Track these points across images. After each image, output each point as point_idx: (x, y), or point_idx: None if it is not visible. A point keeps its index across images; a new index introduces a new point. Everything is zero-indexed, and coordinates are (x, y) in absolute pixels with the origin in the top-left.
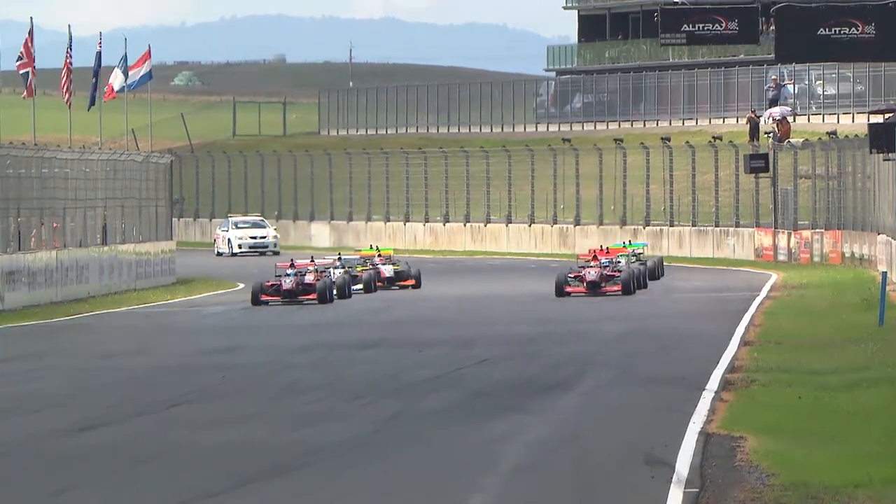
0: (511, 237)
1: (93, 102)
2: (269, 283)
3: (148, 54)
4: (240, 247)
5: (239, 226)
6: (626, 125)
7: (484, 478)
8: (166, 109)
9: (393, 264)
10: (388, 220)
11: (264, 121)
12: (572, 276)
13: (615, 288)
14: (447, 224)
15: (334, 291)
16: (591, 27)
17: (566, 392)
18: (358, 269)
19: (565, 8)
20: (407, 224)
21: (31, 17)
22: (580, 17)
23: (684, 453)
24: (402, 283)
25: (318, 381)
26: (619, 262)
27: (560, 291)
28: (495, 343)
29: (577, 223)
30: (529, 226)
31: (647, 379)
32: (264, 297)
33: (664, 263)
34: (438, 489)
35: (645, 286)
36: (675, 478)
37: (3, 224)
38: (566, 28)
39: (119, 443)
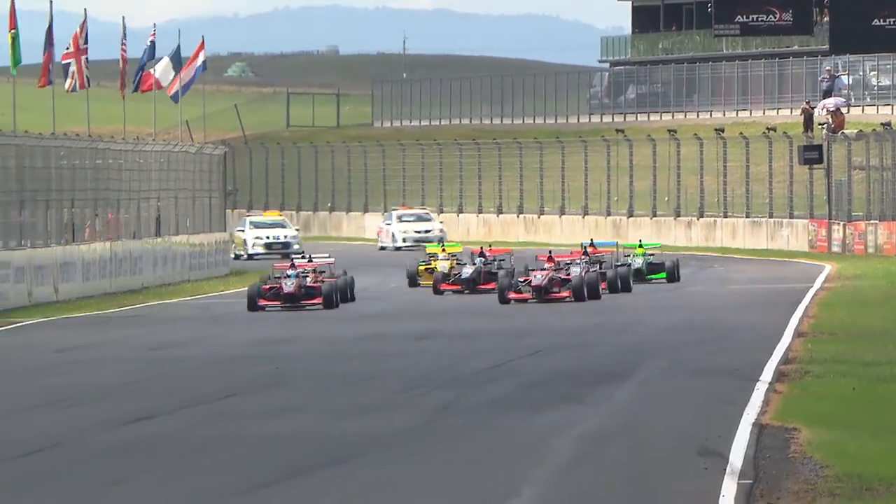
0: (564, 228)
1: (136, 89)
2: (267, 287)
3: (201, 46)
4: (404, 240)
5: (403, 219)
6: (680, 116)
7: (537, 469)
8: (220, 100)
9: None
10: (442, 212)
11: (318, 112)
12: (522, 280)
13: (565, 294)
14: (500, 215)
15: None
16: (645, 18)
17: (620, 383)
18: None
19: None
20: (460, 216)
21: (85, 9)
22: (634, 9)
23: (738, 445)
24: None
25: (370, 372)
26: (581, 263)
27: (502, 298)
28: (549, 333)
29: (630, 215)
30: (583, 217)
31: (701, 370)
32: (262, 302)
33: (679, 264)
34: (491, 480)
35: (627, 290)
36: (728, 469)
37: (58, 215)
38: (620, 19)
39: (170, 434)
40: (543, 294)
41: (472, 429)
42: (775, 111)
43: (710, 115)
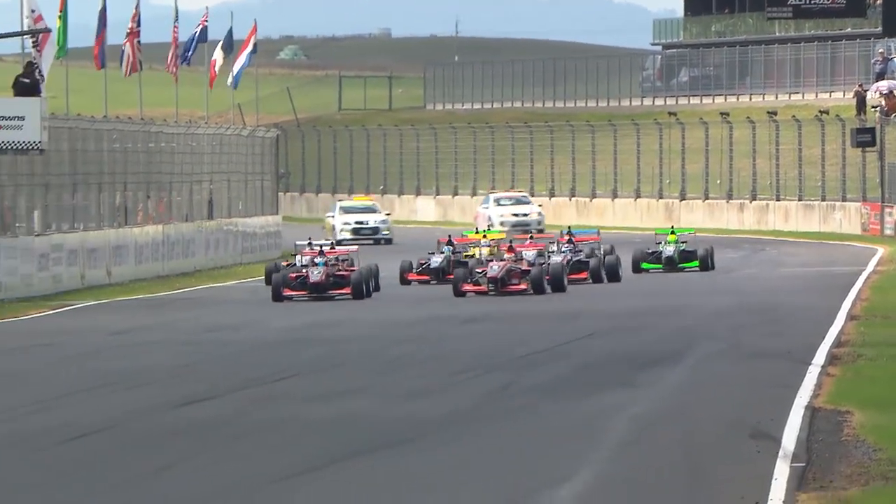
0: (617, 211)
1: (184, 61)
2: (294, 276)
3: (254, 30)
4: (501, 224)
5: (501, 202)
6: (732, 99)
7: (590, 451)
8: (272, 84)
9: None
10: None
11: (370, 95)
12: (480, 270)
13: (522, 286)
14: (553, 198)
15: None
16: (698, 1)
17: (672, 366)
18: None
19: None
20: None
21: None
22: None
23: (790, 428)
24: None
25: (423, 355)
26: (550, 251)
27: (457, 291)
28: (601, 316)
29: (682, 198)
30: (635, 200)
31: (753, 353)
32: (287, 292)
33: (713, 252)
34: (545, 462)
35: (616, 279)
36: (781, 452)
37: (111, 198)
38: (672, 2)
39: (222, 417)
40: (501, 286)
41: (525, 411)
42: (828, 94)
43: (763, 98)
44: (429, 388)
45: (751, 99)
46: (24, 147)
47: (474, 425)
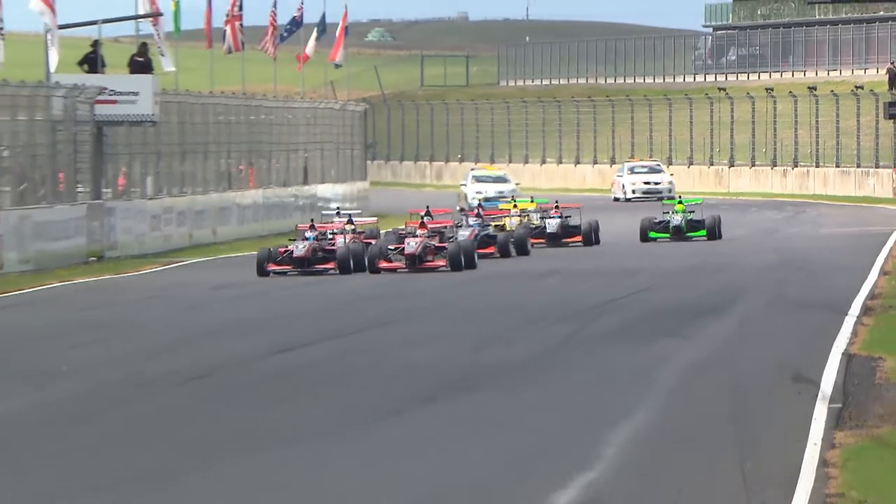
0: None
1: (282, 41)
2: (283, 250)
3: (345, 16)
4: (633, 192)
5: (635, 171)
6: (776, 76)
7: (646, 394)
8: (361, 63)
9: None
10: (561, 163)
11: (449, 73)
12: (392, 248)
13: (440, 262)
14: (613, 166)
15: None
16: None
17: (720, 317)
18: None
19: None
20: (577, 166)
21: None
22: None
23: (828, 372)
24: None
25: (496, 307)
26: (465, 225)
27: (372, 268)
28: (656, 273)
29: (731, 165)
30: (688, 167)
31: (795, 305)
32: (271, 267)
33: (721, 220)
34: (606, 404)
35: (522, 252)
36: (819, 395)
37: (216, 165)
38: None
39: (313, 364)
40: (417, 263)
41: (587, 358)
42: (863, 71)
43: (804, 74)
44: (502, 338)
45: (793, 76)
46: (139, 119)
47: (542, 371)
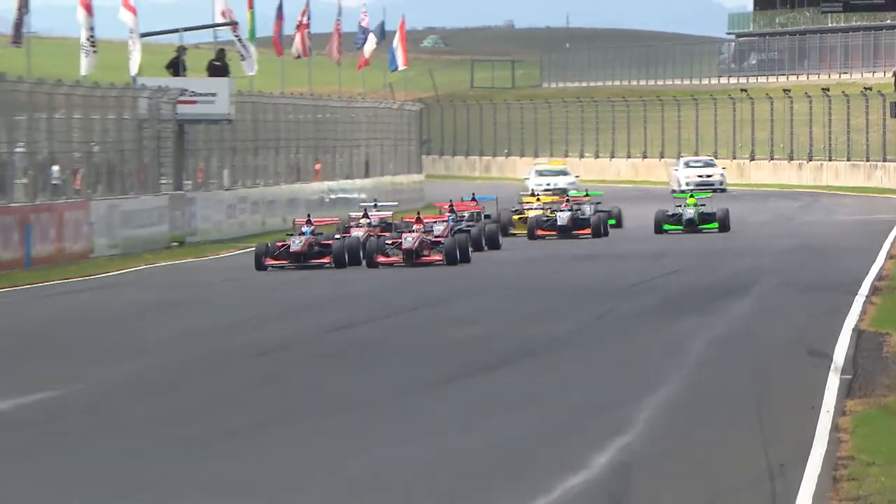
0: None
1: (359, 48)
2: (280, 244)
3: (402, 25)
4: (687, 184)
5: (690, 165)
6: (793, 78)
7: (675, 366)
8: (417, 66)
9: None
10: (598, 157)
11: (496, 76)
12: (390, 242)
13: (436, 257)
14: (645, 160)
15: (360, 253)
16: None
17: (742, 296)
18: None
19: None
20: (612, 160)
21: None
22: None
23: (840, 346)
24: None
25: (539, 286)
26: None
27: (370, 262)
28: (683, 256)
29: (752, 159)
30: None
31: (809, 285)
32: (268, 261)
33: (622, 215)
34: (638, 374)
35: (493, 247)
36: (832, 366)
37: (286, 159)
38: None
39: (373, 338)
40: (414, 258)
41: (621, 333)
42: (871, 74)
43: (818, 77)
44: (543, 314)
45: (808, 78)
46: (216, 118)
47: (579, 344)
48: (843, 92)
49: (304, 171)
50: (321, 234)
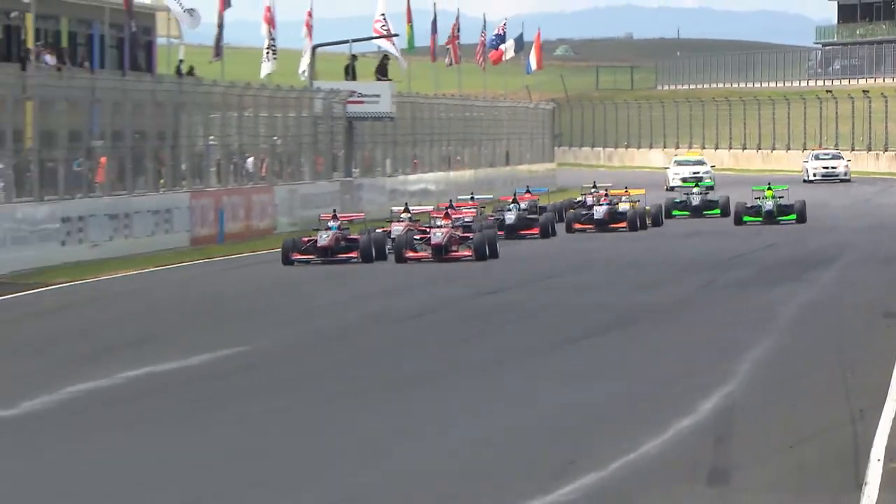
0: (791, 160)
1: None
2: (307, 239)
3: (539, 35)
4: (814, 175)
5: (819, 157)
6: (871, 81)
7: (769, 328)
8: (550, 72)
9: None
10: (703, 149)
11: (617, 79)
12: (418, 238)
13: (466, 252)
14: (744, 151)
15: (387, 248)
16: (848, 12)
17: (827, 268)
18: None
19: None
20: (716, 151)
21: (458, 8)
22: (839, 6)
23: None
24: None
25: (649, 260)
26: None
27: (399, 258)
28: (778, 233)
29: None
30: (802, 151)
31: (886, 258)
32: (296, 256)
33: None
34: (737, 336)
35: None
36: None
37: (439, 151)
38: (829, 13)
39: (511, 303)
40: (443, 253)
41: (723, 300)
42: None
43: (893, 80)
44: (652, 284)
45: (884, 81)
46: (380, 116)
47: (685, 310)
48: None
49: (454, 162)
50: (347, 228)
